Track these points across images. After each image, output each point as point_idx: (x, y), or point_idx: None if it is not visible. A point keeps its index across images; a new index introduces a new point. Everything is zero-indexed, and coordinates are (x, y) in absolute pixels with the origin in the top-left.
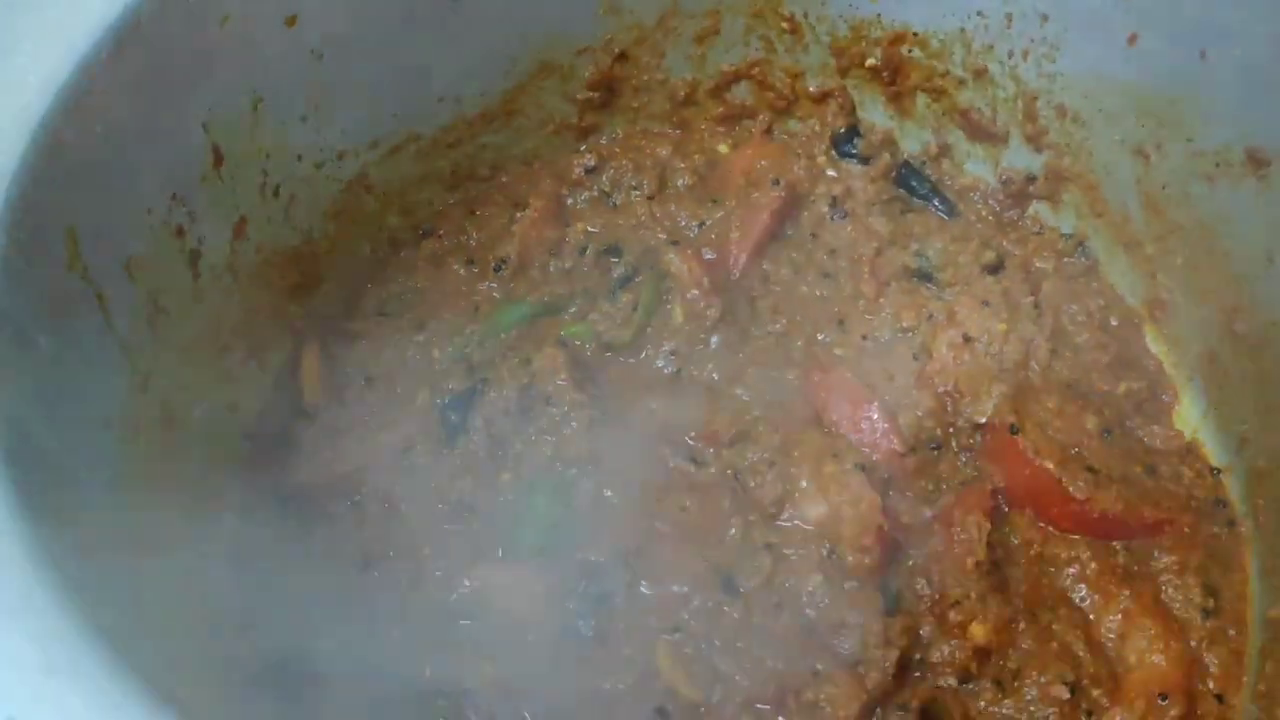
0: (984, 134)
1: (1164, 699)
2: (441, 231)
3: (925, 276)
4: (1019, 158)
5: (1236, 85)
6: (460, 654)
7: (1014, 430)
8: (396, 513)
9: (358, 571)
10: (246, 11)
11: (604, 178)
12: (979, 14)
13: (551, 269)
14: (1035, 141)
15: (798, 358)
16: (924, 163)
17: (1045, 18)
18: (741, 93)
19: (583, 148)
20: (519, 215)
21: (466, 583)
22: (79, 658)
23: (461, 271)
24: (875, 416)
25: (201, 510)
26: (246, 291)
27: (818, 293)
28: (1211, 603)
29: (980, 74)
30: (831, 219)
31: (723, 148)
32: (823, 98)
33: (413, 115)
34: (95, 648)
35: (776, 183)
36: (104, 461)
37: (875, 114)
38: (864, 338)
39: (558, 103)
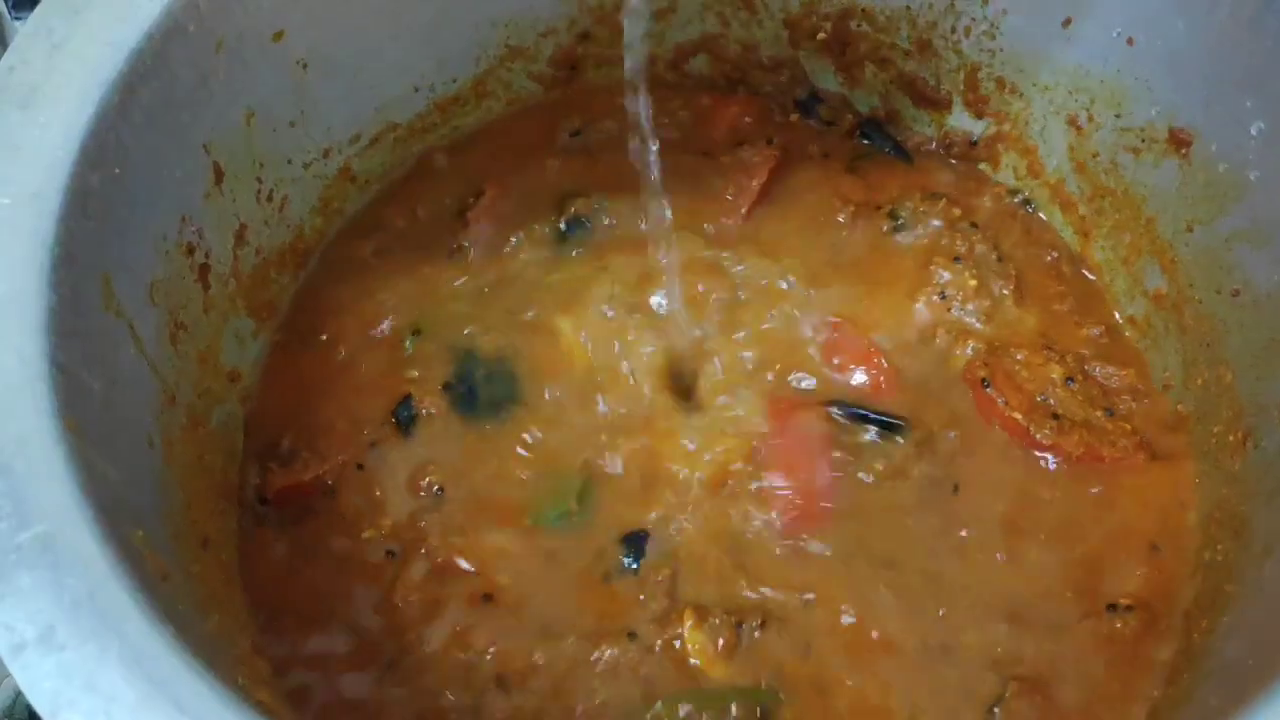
0: (928, 100)
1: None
2: None
3: (899, 232)
4: (961, 122)
5: (1160, 71)
6: None
7: (985, 384)
8: None
9: None
10: (238, 35)
11: (589, 139)
12: None
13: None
14: (976, 108)
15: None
16: (879, 123)
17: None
18: (699, 64)
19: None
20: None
21: None
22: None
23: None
24: (884, 366)
25: (221, 507)
26: (248, 292)
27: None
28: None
29: (924, 46)
30: (814, 180)
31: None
32: (776, 67)
33: (391, 107)
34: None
35: (770, 141)
36: (151, 481)
37: (827, 81)
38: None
39: (524, 82)
